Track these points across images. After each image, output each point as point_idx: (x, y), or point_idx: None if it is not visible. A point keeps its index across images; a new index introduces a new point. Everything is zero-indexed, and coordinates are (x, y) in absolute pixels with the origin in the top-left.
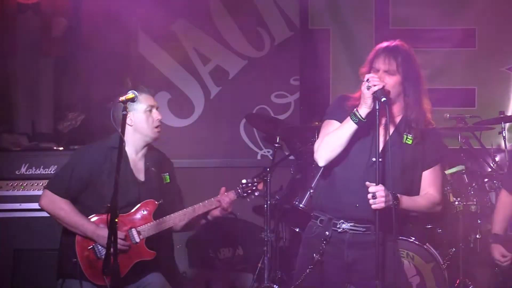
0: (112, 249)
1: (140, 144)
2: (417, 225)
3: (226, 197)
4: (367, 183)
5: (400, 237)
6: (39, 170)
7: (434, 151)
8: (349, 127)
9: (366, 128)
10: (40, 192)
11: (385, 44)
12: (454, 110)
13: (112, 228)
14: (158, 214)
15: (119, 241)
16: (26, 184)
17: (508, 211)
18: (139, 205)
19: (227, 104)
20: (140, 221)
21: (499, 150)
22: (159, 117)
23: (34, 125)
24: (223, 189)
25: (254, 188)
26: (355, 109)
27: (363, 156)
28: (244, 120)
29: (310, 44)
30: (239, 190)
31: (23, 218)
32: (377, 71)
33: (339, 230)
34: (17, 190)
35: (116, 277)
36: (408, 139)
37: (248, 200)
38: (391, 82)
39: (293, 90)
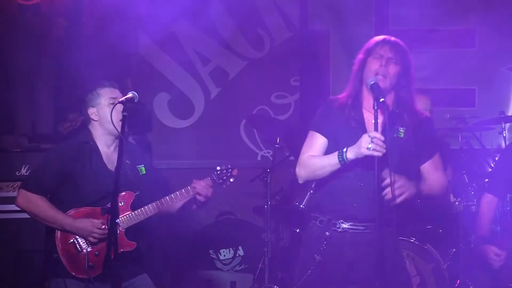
0: (111, 249)
1: (110, 138)
2: (418, 225)
3: (203, 182)
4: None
5: (401, 238)
6: None
7: (430, 140)
8: (334, 164)
9: (358, 129)
10: None
11: (385, 36)
12: (455, 110)
13: (112, 229)
14: (135, 205)
15: (99, 231)
16: None
17: (492, 214)
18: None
19: (227, 105)
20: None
21: (499, 150)
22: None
23: (34, 126)
24: (196, 180)
25: (229, 174)
26: (345, 148)
27: (362, 159)
28: (244, 121)
29: (310, 44)
30: (214, 177)
31: (23, 219)
32: (381, 57)
33: (339, 230)
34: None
35: (117, 277)
36: (400, 133)
37: (224, 186)
38: (394, 71)
39: (293, 90)
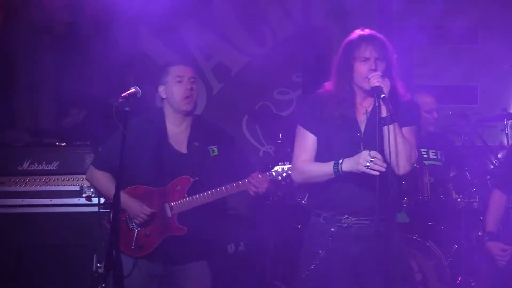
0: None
1: (178, 116)
2: (419, 222)
3: (260, 178)
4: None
5: (402, 234)
6: (41, 165)
7: (406, 113)
8: (329, 174)
9: (349, 124)
10: (41, 188)
11: (364, 32)
12: (457, 107)
13: (115, 226)
14: (193, 190)
15: (144, 216)
16: (29, 180)
17: (501, 210)
18: (174, 180)
19: (229, 100)
20: (173, 196)
21: (501, 147)
22: (188, 87)
23: (37, 121)
24: (256, 172)
25: (289, 172)
26: (341, 159)
27: (352, 150)
28: (246, 117)
29: (312, 40)
30: (273, 173)
31: (25, 214)
32: (368, 59)
33: (344, 225)
34: (20, 186)
35: (119, 272)
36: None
37: (283, 183)
38: (382, 68)
39: (295, 86)
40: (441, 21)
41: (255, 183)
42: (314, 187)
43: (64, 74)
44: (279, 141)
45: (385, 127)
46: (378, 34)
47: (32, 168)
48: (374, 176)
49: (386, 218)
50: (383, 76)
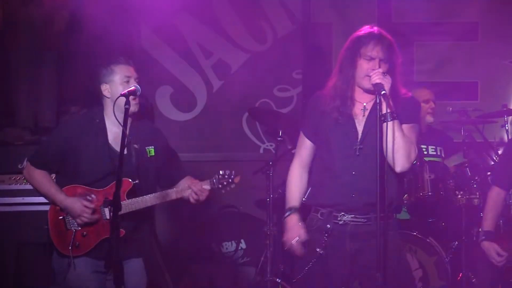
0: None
1: (120, 116)
2: (420, 218)
3: (200, 185)
4: None
5: (403, 231)
6: None
7: (407, 111)
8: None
9: (346, 119)
10: None
11: (374, 30)
12: (457, 104)
13: (115, 224)
14: (132, 192)
15: (88, 215)
16: None
17: (499, 208)
18: (114, 182)
19: (229, 97)
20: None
21: (502, 143)
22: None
23: (37, 119)
24: (197, 180)
25: (230, 180)
26: (292, 207)
27: (349, 146)
28: (246, 114)
29: (312, 37)
30: (214, 181)
31: (25, 212)
32: (372, 59)
33: (340, 223)
34: (20, 184)
35: (120, 271)
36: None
37: (223, 192)
38: (384, 69)
39: (295, 83)
40: (441, 17)
41: (197, 190)
42: (314, 183)
43: (64, 71)
44: (279, 138)
45: (385, 124)
46: (387, 35)
47: None
48: (373, 174)
49: (384, 216)
50: (384, 73)
